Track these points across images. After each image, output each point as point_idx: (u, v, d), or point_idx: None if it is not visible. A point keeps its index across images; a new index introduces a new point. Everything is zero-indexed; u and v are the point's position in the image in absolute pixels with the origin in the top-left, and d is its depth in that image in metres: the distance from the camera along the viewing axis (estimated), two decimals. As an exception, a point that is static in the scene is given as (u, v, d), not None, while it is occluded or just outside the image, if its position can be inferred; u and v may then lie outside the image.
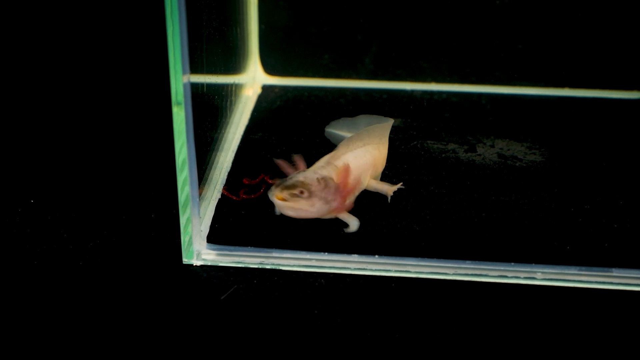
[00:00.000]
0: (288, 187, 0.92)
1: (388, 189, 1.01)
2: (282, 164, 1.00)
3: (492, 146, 1.11)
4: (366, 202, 0.99)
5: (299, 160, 1.01)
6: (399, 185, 1.02)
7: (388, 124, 1.07)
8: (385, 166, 1.06)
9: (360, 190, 1.00)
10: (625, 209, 0.98)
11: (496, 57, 1.24)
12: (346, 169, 0.96)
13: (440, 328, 0.86)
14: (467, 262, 0.92)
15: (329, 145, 1.11)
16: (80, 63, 1.37)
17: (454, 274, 0.92)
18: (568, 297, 0.89)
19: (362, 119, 1.11)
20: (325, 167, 0.97)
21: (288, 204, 0.92)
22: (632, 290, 0.90)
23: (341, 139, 1.08)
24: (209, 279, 0.92)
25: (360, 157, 1.01)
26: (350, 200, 0.97)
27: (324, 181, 0.94)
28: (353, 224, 0.96)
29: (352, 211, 0.97)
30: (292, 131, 1.15)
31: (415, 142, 1.12)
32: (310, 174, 0.95)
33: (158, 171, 1.10)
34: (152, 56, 1.36)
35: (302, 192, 0.92)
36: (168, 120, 0.94)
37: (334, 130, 1.12)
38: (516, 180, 1.04)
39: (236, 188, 1.02)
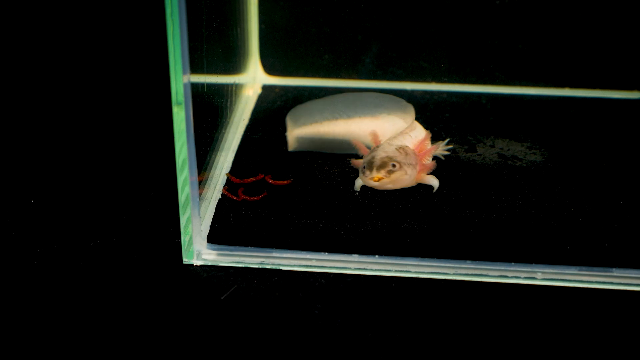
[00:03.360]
0: (380, 166, 0.97)
1: (439, 152, 1.07)
2: (358, 144, 1.05)
3: (492, 146, 1.11)
4: (366, 202, 1.00)
5: (374, 136, 1.05)
6: (445, 144, 1.07)
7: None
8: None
9: (431, 161, 1.04)
10: (625, 209, 0.98)
11: (496, 57, 1.24)
12: (426, 137, 1.05)
13: (440, 328, 0.86)
14: (467, 262, 0.92)
15: (329, 145, 1.11)
16: (80, 63, 1.37)
17: (454, 274, 0.92)
18: (568, 297, 0.89)
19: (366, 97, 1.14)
20: (398, 137, 1.03)
21: (386, 180, 0.97)
22: (632, 290, 0.90)
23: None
24: (209, 279, 0.92)
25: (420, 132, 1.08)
26: (427, 161, 1.03)
27: (403, 150, 1.00)
28: (435, 183, 1.01)
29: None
30: (292, 131, 1.15)
31: (415, 142, 1.12)
32: (388, 147, 1.00)
33: (158, 171, 1.10)
34: (152, 56, 1.36)
35: (394, 165, 0.97)
36: (168, 120, 0.95)
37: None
38: (516, 180, 1.04)
39: (236, 188, 1.02)
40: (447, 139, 1.09)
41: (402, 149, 1.01)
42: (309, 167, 1.07)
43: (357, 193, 1.01)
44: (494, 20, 1.22)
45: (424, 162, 1.02)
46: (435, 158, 1.06)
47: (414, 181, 1.00)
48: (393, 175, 0.97)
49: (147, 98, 1.29)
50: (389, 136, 1.06)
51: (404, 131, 1.06)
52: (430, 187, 1.01)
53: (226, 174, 1.04)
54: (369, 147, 1.05)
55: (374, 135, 1.06)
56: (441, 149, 1.07)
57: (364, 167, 0.99)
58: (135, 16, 1.39)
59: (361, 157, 1.04)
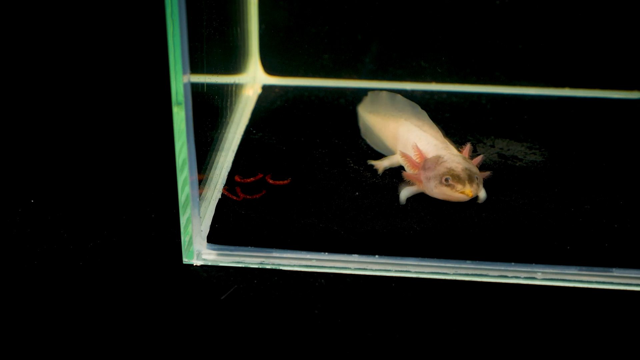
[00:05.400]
0: (470, 180, 0.96)
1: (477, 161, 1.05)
2: (406, 156, 1.02)
3: (492, 146, 1.11)
4: (367, 202, 1.00)
5: (417, 150, 1.02)
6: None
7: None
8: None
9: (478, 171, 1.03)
10: (625, 209, 0.98)
11: (496, 57, 1.24)
12: (469, 149, 1.03)
13: (440, 328, 0.86)
14: (467, 262, 0.92)
15: (328, 145, 1.11)
16: (80, 63, 1.37)
17: (454, 274, 0.92)
18: (568, 297, 0.89)
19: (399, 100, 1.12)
20: (450, 148, 1.02)
21: (477, 191, 0.96)
22: (632, 290, 0.90)
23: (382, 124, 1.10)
24: (209, 279, 0.92)
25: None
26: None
27: (467, 160, 1.00)
28: (483, 194, 1.00)
29: None
30: (292, 131, 1.15)
31: (415, 142, 1.12)
32: (456, 159, 0.98)
33: (158, 171, 1.11)
34: (152, 56, 1.36)
35: (476, 178, 0.97)
36: (168, 120, 0.95)
37: (372, 117, 1.13)
38: (516, 180, 1.04)
39: (237, 188, 1.02)
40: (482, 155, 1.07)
41: (465, 159, 0.99)
42: (309, 167, 1.07)
43: (401, 204, 0.99)
44: (494, 20, 1.22)
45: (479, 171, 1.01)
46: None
47: None
48: (479, 188, 0.97)
49: (147, 98, 1.29)
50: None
51: (441, 141, 1.03)
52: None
53: (223, 190, 1.03)
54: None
55: (416, 149, 1.02)
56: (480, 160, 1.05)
57: (447, 180, 0.95)
58: (135, 16, 1.39)
59: (402, 168, 1.03)
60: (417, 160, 1.01)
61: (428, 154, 1.01)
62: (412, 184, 1.00)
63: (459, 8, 1.22)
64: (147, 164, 1.13)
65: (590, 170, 1.06)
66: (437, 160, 0.98)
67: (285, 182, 1.03)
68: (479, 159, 1.02)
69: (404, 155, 1.02)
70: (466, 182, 0.95)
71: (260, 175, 1.04)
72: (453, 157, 0.99)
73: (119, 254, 0.95)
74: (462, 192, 0.95)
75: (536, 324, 0.86)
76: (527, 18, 1.22)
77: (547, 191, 1.02)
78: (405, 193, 1.00)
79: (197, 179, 0.91)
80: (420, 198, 1.00)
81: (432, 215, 0.97)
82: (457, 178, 0.95)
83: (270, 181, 1.03)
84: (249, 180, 1.03)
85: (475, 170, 0.98)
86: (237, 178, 1.04)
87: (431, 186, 0.97)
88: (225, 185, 1.03)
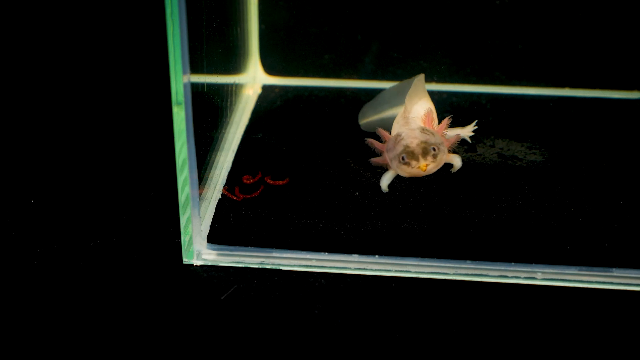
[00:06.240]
0: (424, 153, 0.95)
1: (462, 131, 1.06)
2: (372, 142, 1.03)
3: (492, 146, 1.11)
4: (366, 202, 1.00)
5: (382, 132, 1.03)
6: (472, 126, 1.06)
7: (421, 78, 1.08)
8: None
9: (454, 135, 1.02)
10: (625, 209, 0.98)
11: (496, 57, 1.24)
12: (429, 113, 1.02)
13: (440, 328, 0.86)
14: (467, 262, 0.92)
15: (328, 145, 1.11)
16: (80, 63, 1.37)
17: (454, 274, 0.92)
18: (568, 297, 0.89)
19: (385, 93, 1.14)
20: (410, 122, 1.01)
21: (434, 165, 0.96)
22: (632, 290, 0.90)
23: (378, 123, 1.10)
24: (209, 279, 0.92)
25: (427, 105, 1.05)
26: (447, 136, 1.01)
27: (427, 131, 0.99)
28: (458, 162, 1.00)
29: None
30: (292, 131, 1.15)
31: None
32: (413, 133, 0.98)
33: (158, 171, 1.10)
34: (152, 56, 1.36)
35: (434, 149, 0.96)
36: (168, 120, 0.95)
37: (367, 119, 1.14)
38: (516, 180, 1.04)
39: (236, 188, 1.02)
40: (475, 120, 1.08)
41: (425, 130, 0.98)
42: (309, 167, 1.07)
43: (385, 191, 1.00)
44: (494, 20, 1.22)
45: (446, 138, 1.01)
46: (463, 141, 1.06)
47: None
48: (438, 159, 0.96)
49: (147, 98, 1.29)
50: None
51: (402, 114, 1.03)
52: (430, 187, 1.00)
53: (223, 190, 1.02)
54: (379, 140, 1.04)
55: (381, 131, 1.04)
56: (468, 130, 1.06)
57: (403, 158, 0.96)
58: (136, 16, 1.39)
59: (379, 155, 1.03)
60: (382, 144, 1.02)
61: (393, 132, 1.02)
62: (387, 169, 1.01)
63: (459, 8, 1.22)
64: (147, 163, 1.13)
65: (590, 170, 1.06)
66: (396, 139, 0.99)
67: (284, 182, 1.03)
68: (445, 122, 1.02)
69: (370, 141, 1.03)
70: (420, 156, 0.96)
71: (260, 175, 1.04)
72: (410, 132, 0.98)
73: (119, 254, 0.95)
74: (419, 168, 0.96)
75: (536, 324, 0.86)
76: (527, 18, 1.22)
77: (547, 191, 1.02)
78: (385, 181, 1.01)
79: (197, 179, 0.91)
80: (421, 198, 1.00)
81: (432, 215, 0.97)
82: (411, 155, 0.96)
83: (270, 181, 1.03)
84: (254, 180, 1.03)
85: (436, 139, 0.97)
86: (246, 180, 1.03)
87: (394, 167, 0.99)
88: (225, 185, 1.03)
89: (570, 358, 0.82)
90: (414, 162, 0.96)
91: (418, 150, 0.96)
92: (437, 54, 1.25)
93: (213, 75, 1.03)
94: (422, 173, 0.97)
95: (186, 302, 0.89)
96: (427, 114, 1.02)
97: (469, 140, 1.07)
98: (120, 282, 0.91)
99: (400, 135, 0.99)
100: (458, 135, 1.03)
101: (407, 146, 0.97)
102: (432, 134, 0.99)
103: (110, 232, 0.99)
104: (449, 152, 1.02)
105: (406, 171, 0.97)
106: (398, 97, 1.11)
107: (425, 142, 0.96)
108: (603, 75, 1.24)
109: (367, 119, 1.15)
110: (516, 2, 1.21)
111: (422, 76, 1.09)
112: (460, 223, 0.96)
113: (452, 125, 1.07)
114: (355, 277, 0.92)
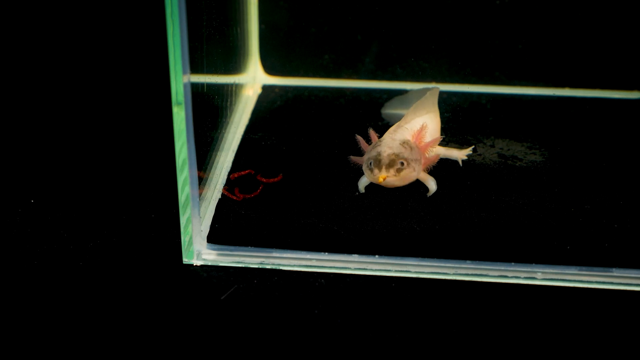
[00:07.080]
0: (389, 165, 0.96)
1: (458, 154, 1.06)
2: (360, 140, 1.04)
3: (492, 146, 1.11)
4: (366, 202, 1.00)
5: (372, 134, 1.04)
6: (469, 150, 1.06)
7: (435, 92, 1.09)
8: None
9: (434, 154, 1.03)
10: (625, 209, 0.98)
11: (496, 57, 1.24)
12: (422, 128, 1.01)
13: (440, 328, 0.86)
14: (467, 262, 0.92)
15: (328, 145, 1.11)
16: (80, 63, 1.37)
17: (454, 274, 0.92)
18: (568, 297, 0.89)
19: (414, 93, 1.14)
20: (398, 132, 1.01)
21: (395, 179, 0.96)
22: (632, 290, 0.90)
23: (399, 117, 1.10)
24: (209, 279, 0.92)
25: (428, 122, 1.05)
26: (429, 154, 1.01)
27: (407, 145, 0.98)
28: (432, 187, 1.00)
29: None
30: (292, 131, 1.15)
31: (415, 142, 1.12)
32: (392, 143, 0.98)
33: (158, 171, 1.10)
34: (152, 56, 1.36)
35: (402, 163, 0.96)
36: (168, 120, 0.95)
37: (391, 110, 1.16)
38: (516, 180, 1.04)
39: (236, 188, 1.02)
40: (473, 146, 1.08)
41: (405, 143, 0.99)
42: (309, 167, 1.07)
43: (358, 193, 1.00)
44: (494, 20, 1.22)
45: (426, 156, 1.01)
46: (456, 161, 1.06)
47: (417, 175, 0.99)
48: (402, 174, 0.96)
49: (147, 98, 1.29)
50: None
51: (399, 123, 1.04)
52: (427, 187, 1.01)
53: (223, 190, 1.03)
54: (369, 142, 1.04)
55: (372, 132, 1.05)
56: (462, 153, 1.06)
57: (370, 164, 0.97)
58: (136, 16, 1.39)
59: (362, 154, 1.03)
60: (367, 145, 1.03)
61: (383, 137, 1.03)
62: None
63: (459, 8, 1.22)
64: (147, 163, 1.13)
65: (590, 170, 1.06)
66: (376, 144, 1.00)
67: (277, 179, 1.03)
68: (432, 141, 1.02)
69: (359, 139, 1.04)
70: (383, 167, 0.96)
71: (250, 171, 1.04)
72: (389, 142, 0.99)
73: (119, 254, 0.95)
74: (379, 177, 0.96)
75: (536, 324, 0.86)
76: (527, 18, 1.22)
77: (547, 191, 1.02)
78: (362, 182, 1.01)
79: (197, 179, 0.91)
80: (420, 198, 1.00)
81: (432, 215, 0.97)
82: (377, 163, 0.96)
83: (263, 179, 1.03)
84: (239, 175, 1.03)
85: (410, 155, 0.97)
86: (231, 177, 1.04)
87: (363, 168, 0.99)
88: (225, 185, 1.03)
89: (570, 358, 0.82)
90: (376, 171, 0.96)
91: (385, 161, 0.96)
92: (437, 54, 1.25)
93: (213, 75, 1.03)
94: (383, 183, 0.97)
95: (186, 302, 0.89)
96: (419, 130, 1.02)
97: (460, 163, 1.06)
98: (120, 282, 0.91)
99: (380, 142, 1.00)
100: (437, 155, 1.03)
101: (378, 154, 0.97)
102: (411, 148, 0.98)
103: (110, 232, 0.99)
104: (425, 170, 1.01)
105: (369, 177, 0.98)
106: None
107: (396, 155, 0.96)
108: (603, 75, 1.24)
109: (389, 110, 1.17)
110: (516, 2, 1.21)
111: (436, 90, 1.09)
112: (460, 223, 0.96)
113: (451, 144, 1.07)
114: (355, 277, 0.92)
